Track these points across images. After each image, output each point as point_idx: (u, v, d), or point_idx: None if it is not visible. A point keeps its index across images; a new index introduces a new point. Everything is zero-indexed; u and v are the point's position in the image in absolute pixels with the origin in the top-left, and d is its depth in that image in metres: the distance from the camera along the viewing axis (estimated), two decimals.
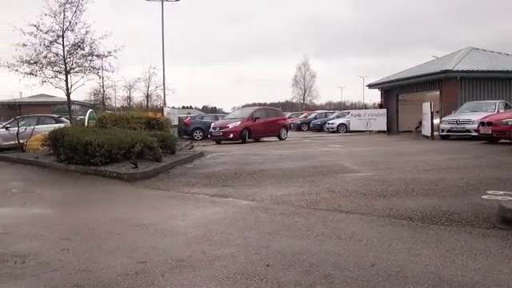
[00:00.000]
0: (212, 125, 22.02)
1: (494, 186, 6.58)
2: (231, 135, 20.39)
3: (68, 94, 16.14)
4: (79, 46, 15.77)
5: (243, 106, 49.44)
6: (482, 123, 15.10)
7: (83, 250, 4.24)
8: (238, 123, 20.97)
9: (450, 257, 3.71)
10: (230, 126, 20.82)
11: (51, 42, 15.49)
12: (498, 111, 17.06)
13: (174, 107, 39.48)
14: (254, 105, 59.04)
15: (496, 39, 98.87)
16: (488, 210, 5.10)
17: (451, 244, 4.06)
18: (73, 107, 19.50)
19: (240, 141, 20.26)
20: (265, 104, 69.48)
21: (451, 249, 3.92)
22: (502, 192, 6.10)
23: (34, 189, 8.18)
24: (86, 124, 13.75)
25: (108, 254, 4.07)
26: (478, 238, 4.25)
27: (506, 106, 18.24)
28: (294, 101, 76.11)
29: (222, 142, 20.64)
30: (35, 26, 15.11)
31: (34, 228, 5.16)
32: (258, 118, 21.69)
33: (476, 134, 15.80)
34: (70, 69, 15.73)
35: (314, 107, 69.61)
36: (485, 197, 5.90)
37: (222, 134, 20.72)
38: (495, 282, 3.14)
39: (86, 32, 15.73)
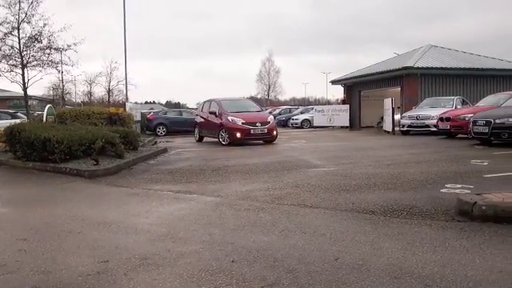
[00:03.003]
0: (236, 120, 15.30)
1: (452, 180, 6.79)
2: (274, 132, 16.03)
3: (25, 89, 15.60)
4: (36, 39, 15.25)
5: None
6: (440, 119, 15.56)
7: (42, 250, 4.09)
8: (272, 116, 17.57)
9: (411, 249, 3.80)
10: (270, 120, 16.28)
11: (5, 34, 14.92)
12: (455, 107, 17.67)
13: (136, 102, 38.85)
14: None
15: (453, 38, 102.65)
16: (447, 203, 5.25)
17: (412, 236, 4.16)
18: (30, 102, 18.82)
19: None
20: None
21: (412, 241, 4.01)
22: (459, 185, 6.31)
23: None
24: (44, 119, 13.33)
25: (68, 254, 3.94)
26: (438, 230, 4.37)
27: (463, 102, 18.92)
28: (259, 96, 76.20)
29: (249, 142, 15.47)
30: None
31: None
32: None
33: (435, 129, 16.29)
34: (27, 62, 15.21)
35: (279, 103, 70.12)
36: (443, 190, 6.08)
37: (266, 131, 15.52)
38: (454, 273, 3.24)
39: (44, 24, 15.27)
